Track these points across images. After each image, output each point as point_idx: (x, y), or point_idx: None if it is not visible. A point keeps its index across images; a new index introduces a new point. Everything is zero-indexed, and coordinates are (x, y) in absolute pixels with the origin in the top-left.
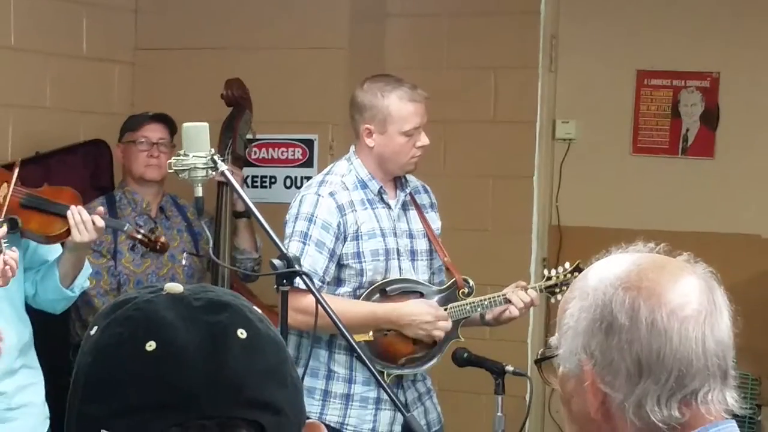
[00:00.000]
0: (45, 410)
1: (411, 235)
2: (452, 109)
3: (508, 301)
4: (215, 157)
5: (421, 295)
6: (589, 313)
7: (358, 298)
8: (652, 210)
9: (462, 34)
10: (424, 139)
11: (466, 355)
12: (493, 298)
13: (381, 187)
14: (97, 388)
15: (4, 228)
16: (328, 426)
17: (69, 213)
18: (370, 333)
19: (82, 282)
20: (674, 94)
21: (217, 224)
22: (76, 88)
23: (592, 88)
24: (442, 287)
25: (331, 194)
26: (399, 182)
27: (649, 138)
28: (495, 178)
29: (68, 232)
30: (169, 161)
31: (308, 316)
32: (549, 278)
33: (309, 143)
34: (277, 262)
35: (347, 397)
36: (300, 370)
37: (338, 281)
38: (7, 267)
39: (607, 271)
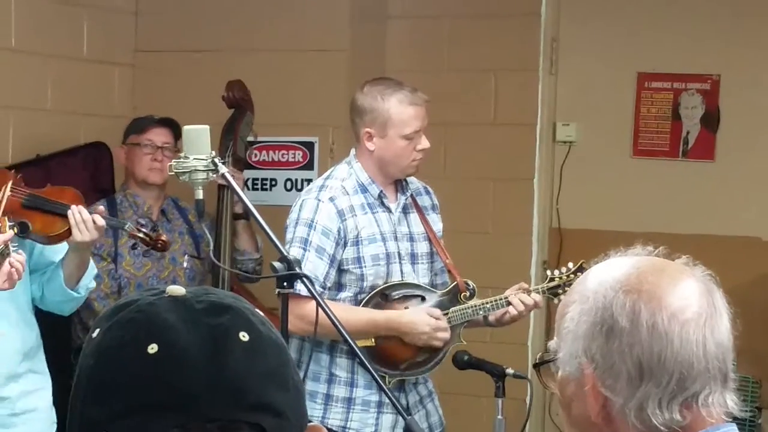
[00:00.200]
0: (52, 415)
1: (412, 239)
2: (453, 112)
3: (509, 304)
4: (216, 160)
5: (423, 299)
6: (589, 317)
7: (359, 302)
8: (652, 213)
9: (462, 36)
10: (424, 143)
11: (466, 357)
12: (494, 301)
13: (381, 191)
14: (98, 391)
15: (10, 232)
16: (330, 430)
17: (69, 212)
18: (372, 338)
19: (88, 283)
20: (675, 96)
21: (218, 226)
22: (77, 90)
23: (593, 91)
24: (444, 291)
25: (332, 199)
26: (400, 185)
27: (649, 141)
28: (495, 181)
29: (69, 231)
30: (169, 163)
31: (309, 324)
32: (552, 279)
33: (309, 146)
34: (277, 264)
35: (349, 401)
36: (301, 374)
37: (339, 286)
38: (13, 270)
39: (607, 274)
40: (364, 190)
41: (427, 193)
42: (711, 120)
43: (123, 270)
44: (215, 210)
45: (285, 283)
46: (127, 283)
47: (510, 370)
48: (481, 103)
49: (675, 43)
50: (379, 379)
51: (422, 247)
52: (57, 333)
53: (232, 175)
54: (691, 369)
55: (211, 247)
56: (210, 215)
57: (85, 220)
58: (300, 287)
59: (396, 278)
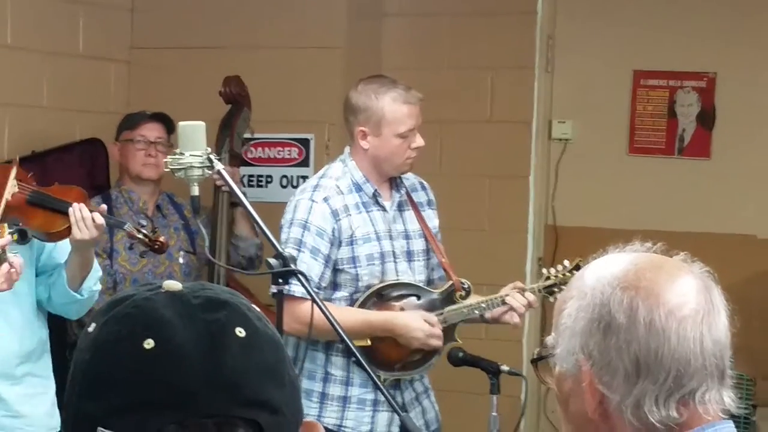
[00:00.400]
0: (51, 422)
1: (407, 236)
2: (449, 109)
3: (505, 302)
4: (211, 156)
5: (418, 298)
6: (587, 313)
7: (354, 302)
8: (648, 210)
9: (459, 34)
10: (419, 141)
11: (461, 354)
12: (489, 300)
13: (376, 189)
14: (94, 386)
15: (8, 237)
16: (326, 428)
17: (70, 210)
18: (367, 338)
19: (91, 285)
20: (671, 94)
21: (214, 222)
22: (73, 86)
23: (589, 88)
24: (440, 290)
25: (326, 199)
26: (394, 183)
27: (645, 138)
28: (491, 178)
29: (70, 229)
30: (165, 160)
31: (304, 326)
32: (547, 278)
33: (305, 142)
34: (273, 261)
35: (344, 400)
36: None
37: (334, 286)
38: (13, 270)
39: (605, 270)
40: (358, 188)
41: (423, 188)
42: (707, 118)
43: (118, 266)
44: (211, 205)
45: (280, 280)
46: (122, 279)
47: (505, 367)
48: (477, 101)
49: (671, 40)
50: (374, 378)
51: (418, 245)
52: (52, 329)
53: (228, 171)
54: (688, 366)
55: (207, 243)
56: (206, 210)
57: (84, 218)
58: (294, 288)
59: (391, 277)
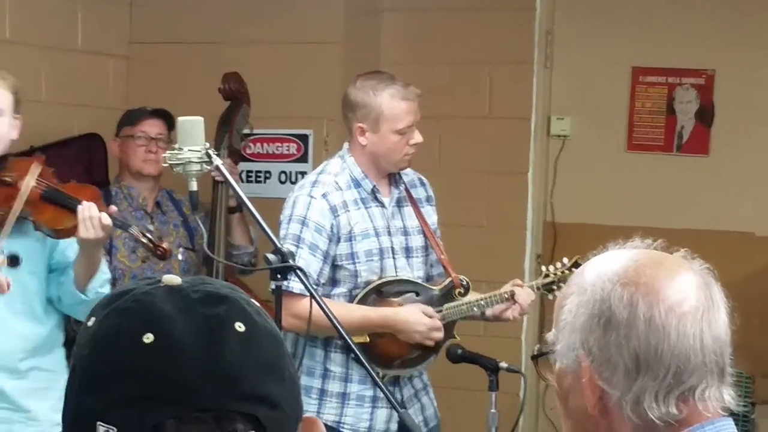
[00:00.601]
0: (56, 417)
1: (406, 232)
2: (447, 105)
3: (505, 300)
4: (210, 152)
5: (417, 295)
6: (587, 309)
7: (353, 298)
8: (646, 207)
9: (457, 29)
10: (417, 137)
11: (460, 351)
12: (489, 297)
13: (374, 186)
14: (93, 380)
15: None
16: (324, 425)
17: (79, 208)
18: (366, 335)
19: (97, 286)
20: (669, 91)
21: (213, 218)
22: (71, 81)
23: (587, 85)
24: (439, 287)
25: (324, 195)
26: (393, 179)
27: (644, 135)
28: (490, 175)
29: (77, 227)
30: (163, 155)
31: (303, 321)
32: (546, 275)
33: (304, 138)
34: (271, 256)
35: (344, 396)
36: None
37: (333, 282)
38: (3, 284)
39: (605, 266)
40: (357, 185)
41: (422, 184)
42: (705, 115)
43: (117, 262)
44: (210, 202)
45: (279, 275)
46: (121, 275)
47: (504, 364)
48: (475, 97)
49: (670, 37)
50: (373, 374)
51: (417, 241)
52: None
53: (227, 168)
54: (687, 362)
55: (205, 240)
56: (204, 206)
57: (92, 217)
58: (293, 284)
59: (390, 273)
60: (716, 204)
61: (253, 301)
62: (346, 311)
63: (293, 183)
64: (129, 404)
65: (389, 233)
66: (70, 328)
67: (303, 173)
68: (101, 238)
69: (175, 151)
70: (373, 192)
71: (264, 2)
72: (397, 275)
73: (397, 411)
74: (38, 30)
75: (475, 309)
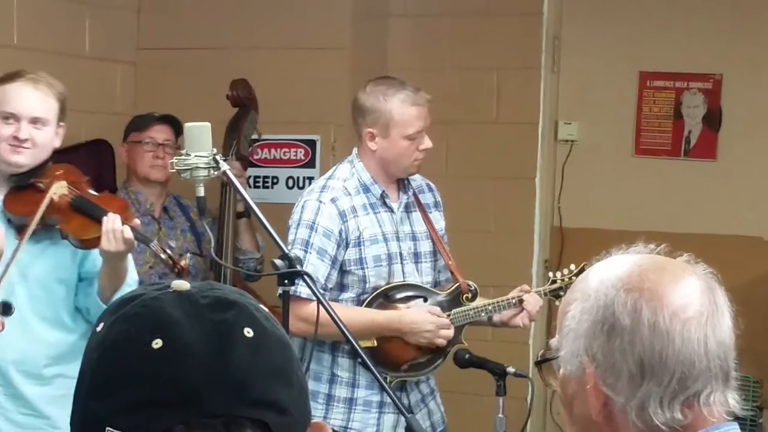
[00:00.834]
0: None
1: (414, 238)
2: (455, 110)
3: (513, 305)
4: (217, 157)
5: (425, 300)
6: (590, 315)
7: (361, 303)
8: (654, 212)
9: (465, 34)
10: (427, 143)
11: (467, 356)
12: (496, 303)
13: (383, 191)
14: (102, 385)
15: None
16: (332, 430)
17: (105, 219)
18: (373, 339)
19: None
20: (677, 95)
21: (221, 224)
22: (79, 87)
23: (595, 90)
24: (446, 292)
25: (333, 200)
26: (402, 184)
27: (651, 140)
28: (497, 179)
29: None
30: (171, 161)
31: (310, 325)
32: (554, 281)
33: (311, 144)
34: (278, 262)
35: (351, 401)
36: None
37: (341, 287)
38: None
39: (609, 272)
40: (366, 190)
41: (430, 190)
42: (713, 119)
43: None
44: (218, 208)
45: (286, 281)
46: None
47: (511, 369)
48: (483, 102)
49: (677, 42)
50: (381, 379)
51: (425, 246)
52: None
53: (235, 174)
54: (692, 368)
55: (213, 245)
56: (212, 213)
57: (114, 230)
58: (300, 289)
59: (398, 279)
60: (724, 208)
61: (262, 306)
62: (352, 315)
63: (300, 188)
64: (137, 410)
65: (398, 238)
66: None
67: (310, 178)
68: (122, 251)
69: (183, 157)
70: (382, 197)
71: (271, 8)
72: (405, 280)
73: (405, 416)
74: (46, 36)
75: (482, 314)
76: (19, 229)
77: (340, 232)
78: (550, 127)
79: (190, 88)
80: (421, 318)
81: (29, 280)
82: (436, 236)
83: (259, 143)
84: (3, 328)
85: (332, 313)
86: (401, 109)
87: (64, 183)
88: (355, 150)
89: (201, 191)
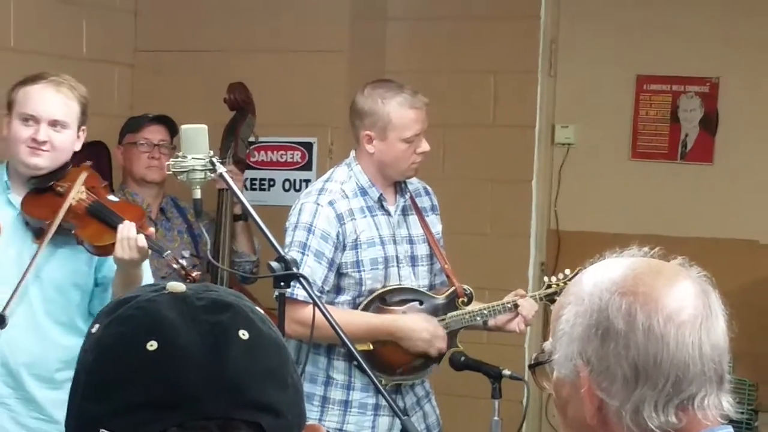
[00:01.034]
0: None
1: (411, 241)
2: (452, 113)
3: (508, 310)
4: (214, 160)
5: (421, 303)
6: (584, 319)
7: (357, 306)
8: (650, 215)
9: (462, 37)
10: (424, 146)
11: (463, 359)
12: (491, 307)
13: (381, 194)
14: (97, 387)
15: None
16: None
17: (120, 227)
18: (369, 343)
19: None
20: (673, 99)
21: (218, 226)
22: None
23: (592, 93)
24: (442, 296)
25: (331, 203)
26: (399, 187)
27: (648, 143)
28: (494, 182)
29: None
30: (167, 163)
31: (306, 328)
32: (549, 286)
33: (308, 146)
34: (275, 264)
35: (346, 404)
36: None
37: (338, 290)
38: None
39: (603, 276)
40: (363, 193)
41: (427, 193)
42: (710, 123)
43: None
44: (215, 210)
45: (282, 283)
46: None
47: (507, 372)
48: (480, 105)
49: (674, 45)
50: (376, 382)
51: (422, 249)
52: None
53: (232, 176)
54: (687, 371)
55: (209, 247)
56: (208, 215)
57: (129, 238)
58: (297, 291)
59: (394, 282)
60: (721, 212)
61: (258, 308)
62: (349, 318)
63: (297, 191)
64: (132, 411)
65: (394, 242)
66: None
67: (307, 181)
68: (136, 260)
69: (179, 159)
70: (380, 200)
71: (269, 11)
72: (401, 284)
73: (400, 419)
74: (43, 38)
75: (477, 318)
76: (37, 233)
77: (337, 235)
78: (547, 130)
79: (188, 90)
80: (418, 326)
81: (43, 282)
82: (433, 240)
83: (256, 145)
84: None
85: (328, 315)
86: (399, 112)
87: (82, 188)
88: (352, 153)
89: (197, 193)
